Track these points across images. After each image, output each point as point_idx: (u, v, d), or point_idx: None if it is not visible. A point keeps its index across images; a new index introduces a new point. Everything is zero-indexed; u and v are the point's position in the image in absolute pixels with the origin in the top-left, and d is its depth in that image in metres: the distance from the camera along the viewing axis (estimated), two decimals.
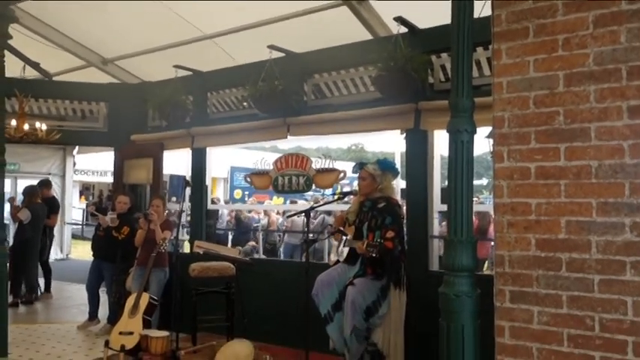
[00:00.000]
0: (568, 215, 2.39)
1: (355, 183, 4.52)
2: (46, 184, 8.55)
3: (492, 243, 7.77)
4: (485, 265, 8.24)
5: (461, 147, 2.45)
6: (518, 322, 2.48)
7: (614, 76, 2.32)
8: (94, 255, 6.49)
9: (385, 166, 4.31)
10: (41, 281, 7.95)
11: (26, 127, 6.20)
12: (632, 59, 2.28)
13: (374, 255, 3.82)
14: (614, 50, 2.32)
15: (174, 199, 10.41)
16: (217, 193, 16.77)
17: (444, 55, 4.66)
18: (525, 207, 2.49)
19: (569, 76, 2.42)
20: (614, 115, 2.31)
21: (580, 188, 2.37)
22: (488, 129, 4.05)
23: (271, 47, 5.39)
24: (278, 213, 11.68)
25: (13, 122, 6.11)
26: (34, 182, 8.36)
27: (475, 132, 2.49)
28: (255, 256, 9.56)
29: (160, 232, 5.35)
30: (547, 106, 2.46)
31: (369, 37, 5.30)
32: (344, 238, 4.34)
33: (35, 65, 6.96)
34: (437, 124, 4.55)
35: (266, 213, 11.43)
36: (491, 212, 7.10)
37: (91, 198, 19.19)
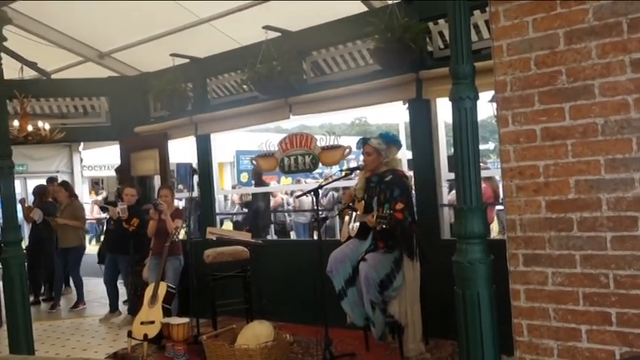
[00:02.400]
0: (577, 175, 2.38)
1: (361, 157, 4.50)
2: (53, 181, 8.60)
3: (496, 208, 7.76)
4: (497, 229, 8.25)
5: (464, 114, 2.43)
6: (533, 284, 2.50)
7: (615, 30, 2.28)
8: (107, 249, 6.57)
9: (388, 139, 4.29)
10: None
11: (29, 127, 6.22)
12: (632, 11, 2.24)
13: (384, 226, 3.82)
14: (613, 3, 2.28)
15: (180, 186, 10.44)
16: (224, 177, 16.82)
17: (441, 21, 4.60)
18: (533, 170, 2.48)
19: (570, 33, 2.38)
20: (617, 69, 2.28)
21: (587, 147, 2.35)
22: (491, 93, 4.02)
23: (266, 28, 5.33)
24: (286, 193, 11.70)
25: (16, 123, 6.12)
26: (43, 182, 8.41)
27: (478, 98, 2.48)
28: (267, 237, 9.63)
29: (170, 221, 5.39)
30: (549, 66, 2.43)
31: (364, 9, 5.22)
32: (354, 214, 4.35)
33: (32, 65, 6.94)
34: (439, 92, 4.51)
35: (272, 194, 11.45)
36: (496, 177, 7.06)
37: (101, 191, 19.31)
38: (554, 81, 2.42)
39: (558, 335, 2.44)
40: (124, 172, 7.07)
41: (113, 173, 9.42)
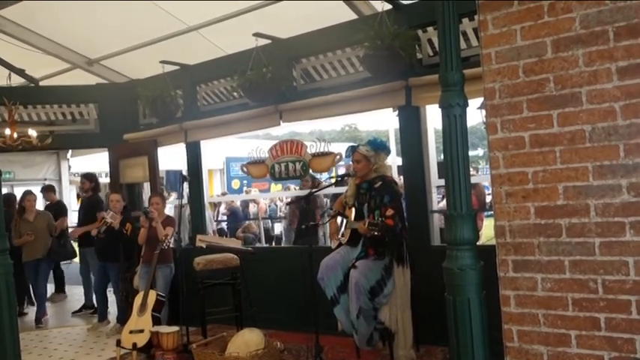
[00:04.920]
0: (565, 181, 2.40)
1: (351, 164, 4.51)
2: (49, 189, 8.55)
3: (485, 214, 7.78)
4: (490, 235, 8.26)
5: (454, 121, 2.45)
6: (522, 290, 2.51)
7: (601, 38, 2.31)
8: (97, 257, 6.50)
9: (377, 145, 4.31)
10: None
11: (15, 135, 6.16)
12: (618, 20, 2.27)
13: (376, 233, 3.83)
14: (599, 12, 2.31)
15: (166, 193, 10.38)
16: (214, 184, 16.71)
17: (430, 29, 4.64)
18: (522, 176, 2.50)
19: (557, 41, 2.41)
20: (604, 77, 2.31)
21: (575, 153, 2.37)
22: (480, 100, 4.05)
23: (257, 35, 5.34)
24: (280, 200, 11.67)
25: (7, 131, 6.08)
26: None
27: (467, 105, 2.49)
28: (257, 244, 9.60)
29: (161, 229, 5.35)
30: (537, 74, 2.46)
31: (353, 16, 5.25)
32: (344, 220, 4.36)
33: (20, 72, 6.91)
34: (428, 99, 4.54)
35: (255, 201, 11.42)
36: (485, 182, 7.06)
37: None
38: (542, 88, 2.44)
39: (548, 341, 2.45)
40: (93, 178, 7.05)
41: (102, 180, 9.36)
